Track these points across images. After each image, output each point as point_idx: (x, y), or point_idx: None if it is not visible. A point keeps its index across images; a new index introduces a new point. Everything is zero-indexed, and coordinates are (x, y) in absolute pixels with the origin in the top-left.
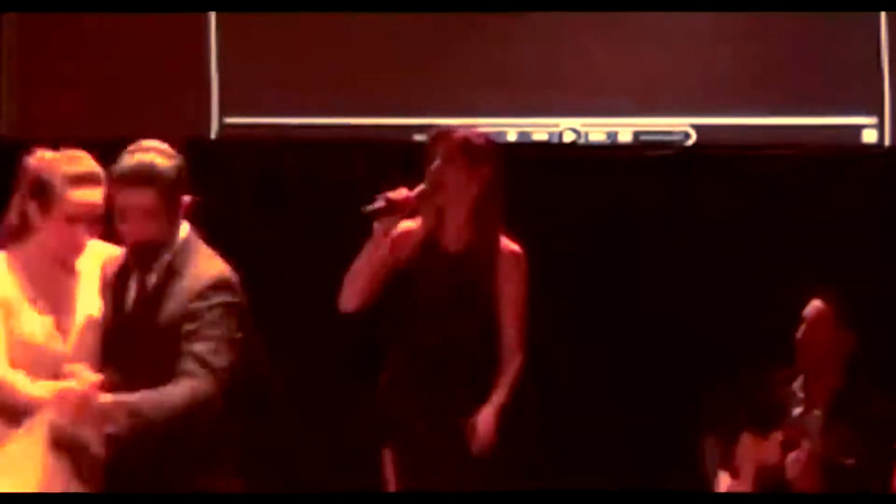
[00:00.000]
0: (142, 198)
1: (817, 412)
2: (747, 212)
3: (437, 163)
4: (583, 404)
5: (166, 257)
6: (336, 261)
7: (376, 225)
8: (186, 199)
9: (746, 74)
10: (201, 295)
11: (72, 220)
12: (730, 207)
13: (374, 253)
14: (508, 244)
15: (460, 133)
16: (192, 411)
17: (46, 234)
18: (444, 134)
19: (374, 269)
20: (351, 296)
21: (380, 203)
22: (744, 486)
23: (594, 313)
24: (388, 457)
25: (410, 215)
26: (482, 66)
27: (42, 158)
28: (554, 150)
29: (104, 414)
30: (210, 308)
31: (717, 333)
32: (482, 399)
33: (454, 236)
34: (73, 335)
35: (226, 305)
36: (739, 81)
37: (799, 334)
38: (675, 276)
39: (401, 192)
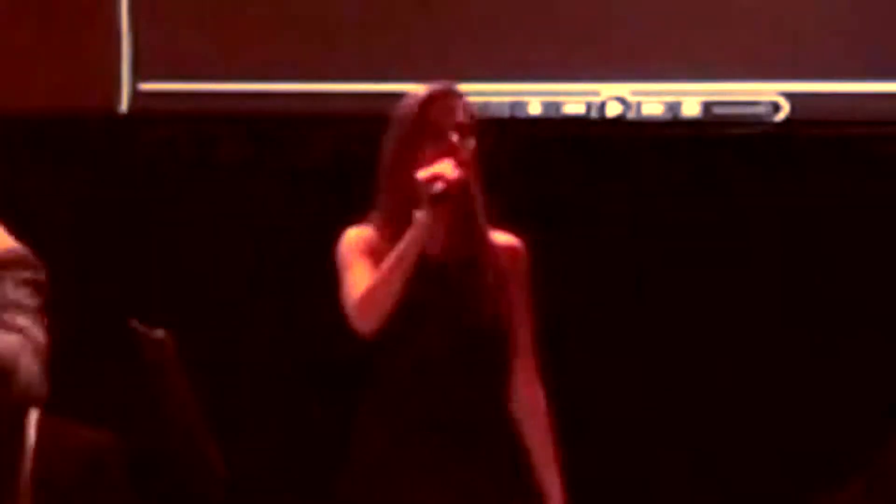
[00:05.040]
0: None
1: None
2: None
3: (455, 137)
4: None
5: None
6: (284, 271)
7: (419, 215)
8: None
9: (860, 24)
10: None
11: None
12: (840, 207)
13: (414, 253)
14: (502, 239)
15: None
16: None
17: None
18: (448, 94)
19: (410, 275)
20: (379, 314)
21: (440, 185)
22: None
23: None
24: None
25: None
26: (488, 9)
27: None
28: (593, 128)
29: None
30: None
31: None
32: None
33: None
34: None
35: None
36: (852, 34)
37: None
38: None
39: (449, 167)
